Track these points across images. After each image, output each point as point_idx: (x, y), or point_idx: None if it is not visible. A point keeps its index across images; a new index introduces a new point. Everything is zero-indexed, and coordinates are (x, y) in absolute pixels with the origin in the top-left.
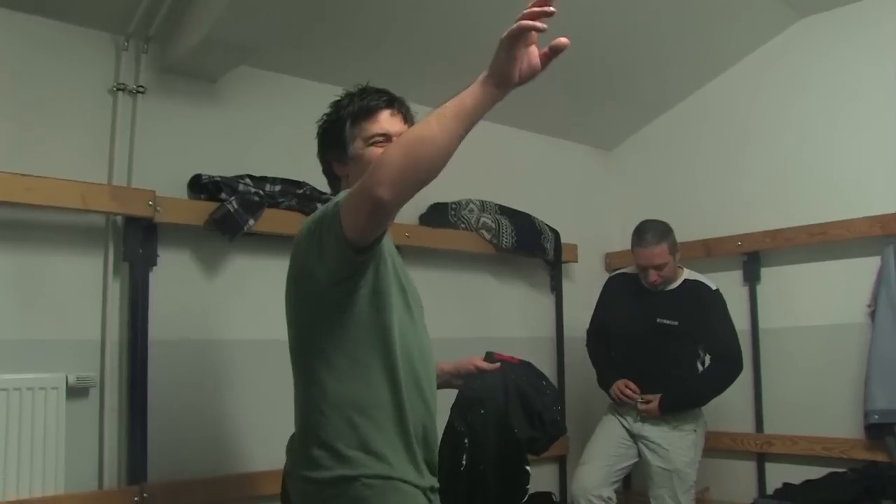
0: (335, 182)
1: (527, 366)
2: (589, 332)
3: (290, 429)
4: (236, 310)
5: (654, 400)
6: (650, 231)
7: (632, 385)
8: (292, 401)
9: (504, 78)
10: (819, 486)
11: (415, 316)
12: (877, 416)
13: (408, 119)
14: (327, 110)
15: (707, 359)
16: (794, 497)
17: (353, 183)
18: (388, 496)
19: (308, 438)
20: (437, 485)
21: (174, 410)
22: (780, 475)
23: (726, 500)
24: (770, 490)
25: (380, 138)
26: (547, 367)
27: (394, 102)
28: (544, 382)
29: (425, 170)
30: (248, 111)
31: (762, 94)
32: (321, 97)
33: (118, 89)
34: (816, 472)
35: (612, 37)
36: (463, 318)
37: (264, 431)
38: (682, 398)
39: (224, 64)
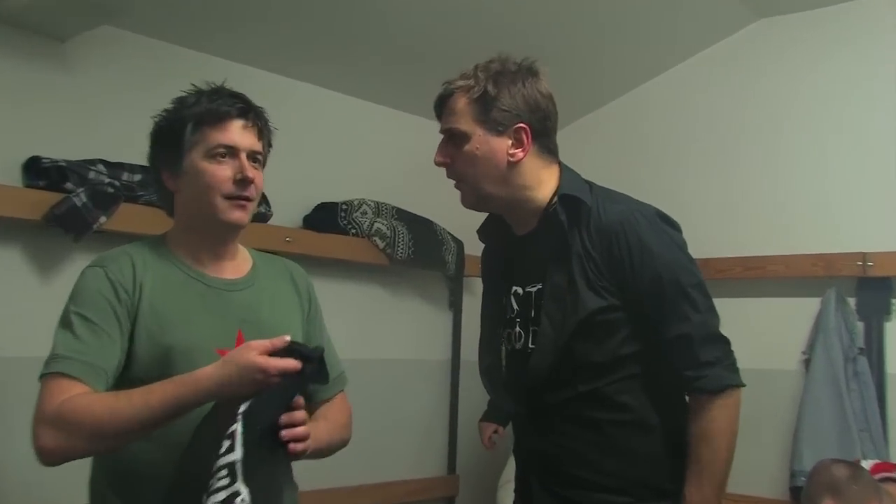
0: (166, 196)
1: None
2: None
3: None
4: None
5: None
6: None
7: None
8: None
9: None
10: None
11: None
12: (803, 479)
13: (263, 136)
14: (168, 106)
15: None
16: None
17: (184, 202)
18: None
19: None
20: None
21: None
22: None
23: None
24: None
25: (223, 150)
26: (440, 395)
27: (248, 112)
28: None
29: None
30: (104, 81)
31: (706, 99)
32: (198, 68)
33: None
34: None
35: (544, 24)
36: (345, 337)
37: None
38: None
39: (78, 22)
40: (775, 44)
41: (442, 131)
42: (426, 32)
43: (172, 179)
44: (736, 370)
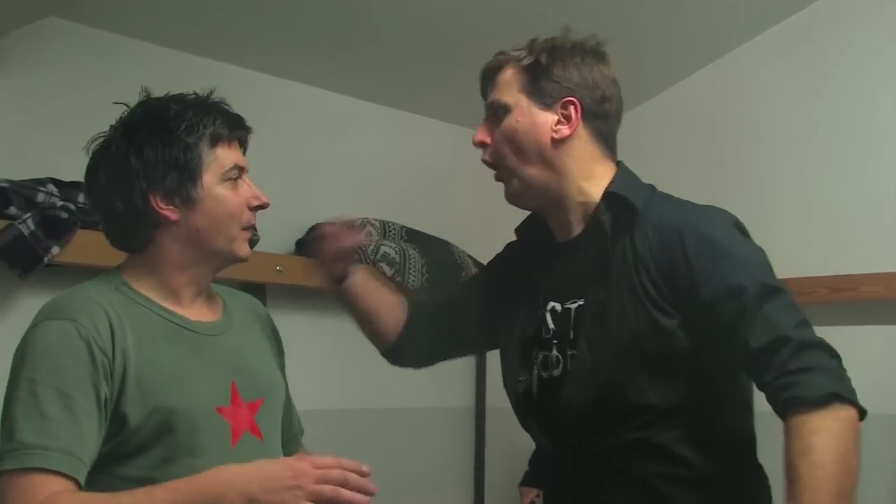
0: (147, 226)
1: None
2: None
3: None
4: None
5: None
6: None
7: None
8: None
9: None
10: None
11: None
12: None
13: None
14: (131, 116)
15: None
16: None
17: (187, 233)
18: None
19: None
20: None
21: None
22: None
23: None
24: None
25: (235, 173)
26: (463, 449)
27: (247, 126)
28: None
29: None
30: (52, 83)
31: (781, 82)
32: (164, 66)
33: None
34: None
35: (582, 3)
36: (351, 382)
37: None
38: None
39: (19, 13)
40: (870, 9)
41: (485, 109)
42: (440, 15)
43: (174, 207)
44: (847, 381)
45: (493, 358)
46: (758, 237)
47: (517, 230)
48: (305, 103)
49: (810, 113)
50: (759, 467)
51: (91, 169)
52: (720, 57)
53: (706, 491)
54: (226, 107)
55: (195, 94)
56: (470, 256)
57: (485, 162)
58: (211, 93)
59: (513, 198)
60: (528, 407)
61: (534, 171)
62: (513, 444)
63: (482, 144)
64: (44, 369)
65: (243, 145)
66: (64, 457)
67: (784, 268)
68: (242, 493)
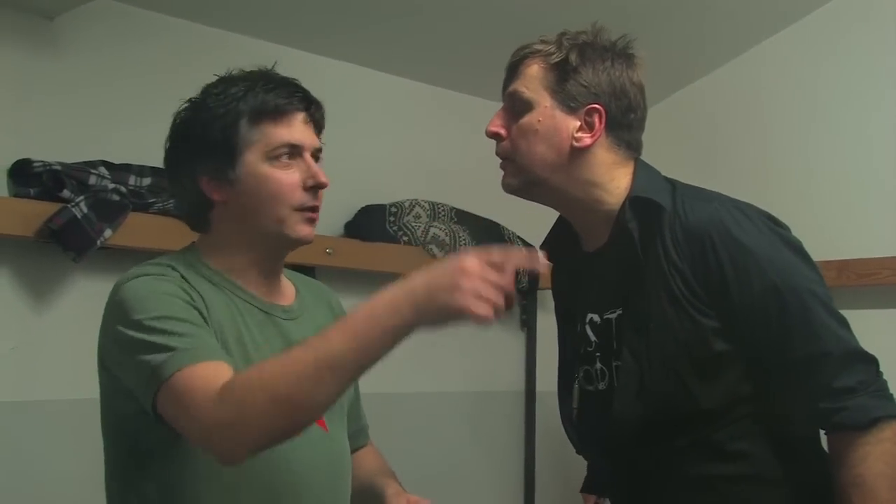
0: (201, 207)
1: None
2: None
3: None
4: (81, 355)
5: None
6: None
7: None
8: None
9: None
10: None
11: None
12: None
13: (320, 131)
14: (196, 96)
15: None
16: None
17: (236, 215)
18: None
19: None
20: None
21: None
22: None
23: None
24: None
25: (286, 150)
26: (512, 435)
27: (311, 104)
28: None
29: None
30: (103, 65)
31: (838, 57)
32: (216, 48)
33: None
34: None
35: None
36: (399, 365)
37: None
38: None
39: None
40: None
41: (504, 98)
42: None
43: (220, 188)
44: (889, 396)
45: (543, 342)
46: (815, 218)
47: (543, 246)
48: (353, 84)
49: (868, 88)
50: (824, 455)
51: (165, 153)
52: (773, 35)
53: (768, 486)
54: (287, 82)
55: (253, 70)
56: (520, 238)
57: (497, 155)
58: (268, 68)
59: (512, 188)
60: (573, 424)
61: (545, 173)
62: (562, 428)
63: (496, 136)
64: (151, 308)
65: (315, 123)
66: (214, 350)
67: (844, 249)
68: (411, 304)
